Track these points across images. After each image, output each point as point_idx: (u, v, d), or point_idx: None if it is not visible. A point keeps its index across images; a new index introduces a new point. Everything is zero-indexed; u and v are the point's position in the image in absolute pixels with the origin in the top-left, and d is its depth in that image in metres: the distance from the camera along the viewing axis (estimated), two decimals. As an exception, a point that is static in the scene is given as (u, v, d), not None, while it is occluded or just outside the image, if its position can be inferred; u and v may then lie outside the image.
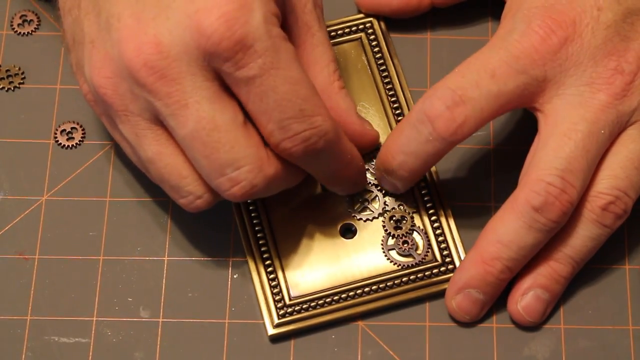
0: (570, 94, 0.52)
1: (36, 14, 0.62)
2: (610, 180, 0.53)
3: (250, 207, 0.57)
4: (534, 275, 0.54)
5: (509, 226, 0.53)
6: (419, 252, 0.56)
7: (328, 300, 0.55)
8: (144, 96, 0.49)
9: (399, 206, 0.57)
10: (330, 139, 0.50)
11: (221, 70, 0.48)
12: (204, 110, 0.48)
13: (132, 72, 0.48)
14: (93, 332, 0.55)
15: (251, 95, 0.48)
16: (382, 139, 0.58)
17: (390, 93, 0.60)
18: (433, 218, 0.57)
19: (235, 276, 0.56)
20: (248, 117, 0.50)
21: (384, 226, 0.57)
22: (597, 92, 0.52)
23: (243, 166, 0.49)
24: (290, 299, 0.55)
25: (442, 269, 0.56)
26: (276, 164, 0.50)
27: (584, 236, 0.53)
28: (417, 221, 0.57)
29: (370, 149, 0.57)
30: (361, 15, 0.61)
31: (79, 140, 0.59)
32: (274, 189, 0.51)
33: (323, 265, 0.56)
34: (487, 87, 0.52)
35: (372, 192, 0.58)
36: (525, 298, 0.54)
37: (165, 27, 0.48)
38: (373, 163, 0.58)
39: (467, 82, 0.52)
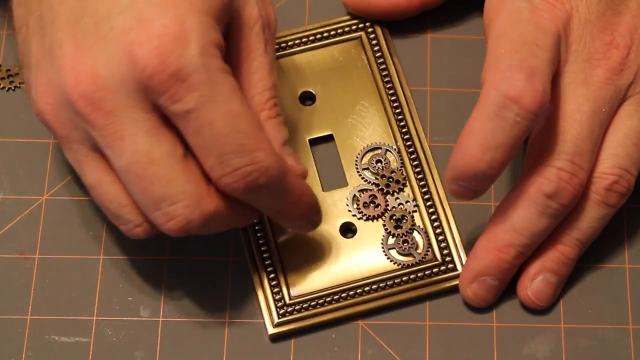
0: (573, 71, 0.53)
1: (36, 14, 0.62)
2: (611, 160, 0.53)
3: (251, 207, 0.57)
4: (542, 260, 0.55)
5: (521, 213, 0.53)
6: (419, 251, 0.56)
7: (328, 299, 0.55)
8: (83, 126, 0.48)
9: (399, 205, 0.57)
10: (273, 175, 0.48)
11: (158, 103, 0.47)
12: (140, 143, 0.47)
13: (71, 102, 0.47)
14: (93, 331, 0.55)
15: (189, 129, 0.47)
16: (380, 140, 0.59)
17: (390, 92, 0.60)
18: (433, 217, 0.57)
19: (235, 275, 0.56)
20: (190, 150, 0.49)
21: (384, 225, 0.57)
22: (595, 68, 0.53)
23: (179, 201, 0.47)
24: (290, 299, 0.55)
25: (442, 268, 0.56)
26: (217, 201, 0.48)
27: (590, 218, 0.54)
28: (418, 220, 0.57)
29: None
30: (361, 14, 0.62)
31: (79, 140, 0.59)
32: (217, 226, 0.50)
33: (323, 265, 0.56)
34: (542, 55, 0.51)
35: (372, 191, 0.58)
36: (535, 283, 0.55)
37: (102, 57, 0.47)
38: (376, 165, 0.58)
39: (524, 55, 0.50)
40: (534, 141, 0.54)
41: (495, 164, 0.51)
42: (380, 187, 0.58)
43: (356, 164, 0.58)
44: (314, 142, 0.59)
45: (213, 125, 0.46)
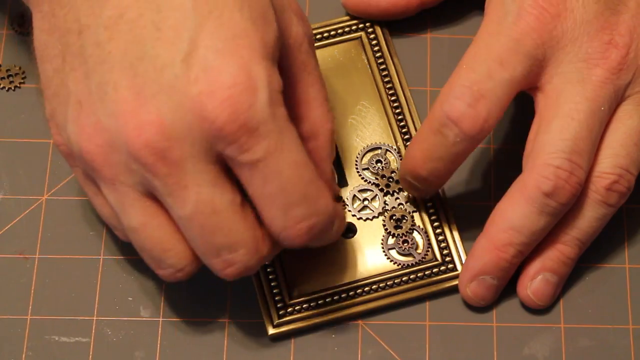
0: (569, 72, 0.53)
1: (36, 14, 0.62)
2: (611, 159, 0.53)
3: (251, 207, 0.57)
4: (542, 259, 0.55)
5: (520, 212, 0.53)
6: (419, 251, 0.56)
7: (328, 299, 0.55)
8: (141, 173, 0.47)
9: (399, 205, 0.57)
10: (331, 219, 0.49)
11: (224, 153, 0.46)
12: (204, 193, 0.47)
13: (132, 150, 0.46)
14: (93, 331, 0.55)
15: (254, 179, 0.46)
16: (380, 140, 0.59)
17: (390, 92, 0.60)
18: (433, 217, 0.57)
19: (235, 275, 0.56)
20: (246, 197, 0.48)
21: (384, 225, 0.57)
22: (594, 68, 0.53)
23: (239, 249, 0.48)
24: (290, 299, 0.55)
25: (442, 268, 0.56)
26: (270, 243, 0.49)
27: (590, 217, 0.54)
28: (417, 220, 0.57)
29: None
30: (361, 14, 0.62)
31: (79, 140, 0.59)
32: (262, 264, 0.51)
33: (323, 265, 0.56)
34: (500, 76, 0.52)
35: (372, 191, 0.58)
36: (535, 282, 0.55)
37: (167, 106, 0.45)
38: (376, 165, 0.58)
39: (479, 76, 0.52)
40: (531, 140, 0.54)
41: (436, 173, 0.53)
42: (380, 187, 0.58)
43: (356, 164, 0.58)
44: (314, 142, 0.59)
45: (280, 175, 0.46)
